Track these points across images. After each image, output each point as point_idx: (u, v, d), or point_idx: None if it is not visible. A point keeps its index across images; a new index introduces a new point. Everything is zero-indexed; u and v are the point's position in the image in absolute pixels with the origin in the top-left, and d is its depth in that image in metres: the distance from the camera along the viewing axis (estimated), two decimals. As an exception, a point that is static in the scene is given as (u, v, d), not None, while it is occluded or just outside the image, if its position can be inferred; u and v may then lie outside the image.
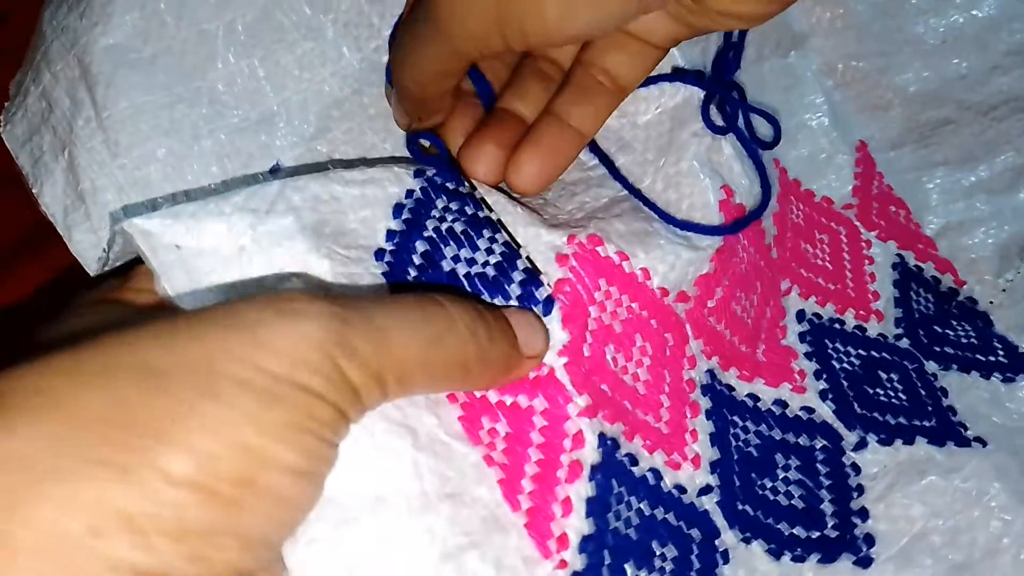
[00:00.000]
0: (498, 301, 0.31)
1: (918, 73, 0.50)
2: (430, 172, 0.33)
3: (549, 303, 0.31)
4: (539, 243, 0.33)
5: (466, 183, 0.34)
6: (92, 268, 0.35)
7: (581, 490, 0.30)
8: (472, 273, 0.31)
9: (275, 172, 0.37)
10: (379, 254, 0.31)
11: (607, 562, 0.29)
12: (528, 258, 0.33)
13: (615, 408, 0.32)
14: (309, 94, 0.37)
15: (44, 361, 0.22)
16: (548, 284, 0.32)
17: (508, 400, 0.30)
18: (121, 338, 0.22)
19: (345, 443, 0.25)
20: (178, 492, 0.20)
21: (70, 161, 0.35)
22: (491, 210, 0.33)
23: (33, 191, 0.36)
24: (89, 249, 0.35)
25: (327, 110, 0.38)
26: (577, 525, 0.29)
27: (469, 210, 0.33)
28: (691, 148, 0.37)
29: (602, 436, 0.31)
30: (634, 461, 0.32)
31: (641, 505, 0.31)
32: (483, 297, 0.31)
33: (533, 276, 0.32)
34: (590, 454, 0.30)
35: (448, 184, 0.33)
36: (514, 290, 0.31)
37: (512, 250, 0.32)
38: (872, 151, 0.49)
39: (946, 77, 0.50)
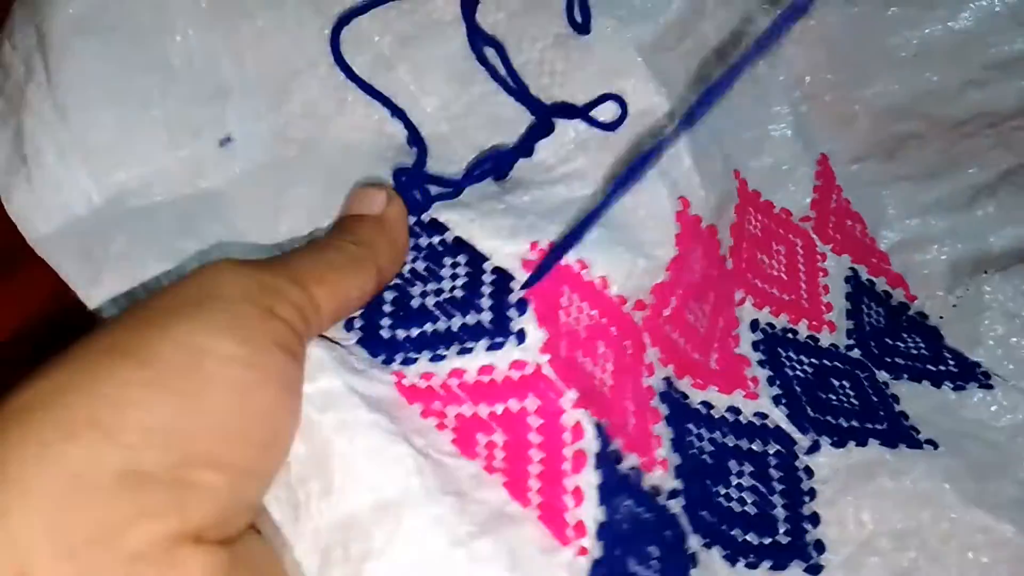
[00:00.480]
0: (470, 318, 0.32)
1: (887, 86, 0.49)
2: None
3: (522, 304, 0.32)
4: (502, 255, 0.34)
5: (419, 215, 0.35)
6: (27, 232, 0.35)
7: (591, 478, 0.30)
8: (441, 301, 0.33)
9: (225, 144, 0.37)
10: (348, 324, 0.33)
11: (616, 553, 0.30)
12: (496, 268, 0.33)
13: (597, 404, 0.32)
14: (266, 66, 0.38)
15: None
16: (518, 287, 0.33)
17: (499, 408, 0.31)
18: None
19: (345, 457, 0.28)
20: (133, 392, 0.24)
21: (18, 126, 0.35)
22: (447, 230, 0.34)
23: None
24: (26, 210, 0.35)
25: (284, 83, 0.38)
26: (593, 512, 0.29)
27: (424, 242, 0.34)
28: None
29: (598, 426, 0.31)
30: (619, 458, 0.32)
31: (629, 502, 0.32)
32: (456, 319, 0.32)
33: (502, 283, 0.33)
34: (591, 443, 0.31)
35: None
36: (485, 302, 0.32)
37: (476, 267, 0.33)
38: (833, 164, 0.49)
39: (916, 91, 0.49)
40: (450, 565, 0.27)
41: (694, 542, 0.34)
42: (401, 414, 0.30)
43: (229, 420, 0.25)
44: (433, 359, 0.32)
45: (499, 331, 0.32)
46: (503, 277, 0.33)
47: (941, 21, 0.49)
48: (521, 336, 0.32)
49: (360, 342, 0.32)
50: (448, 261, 0.34)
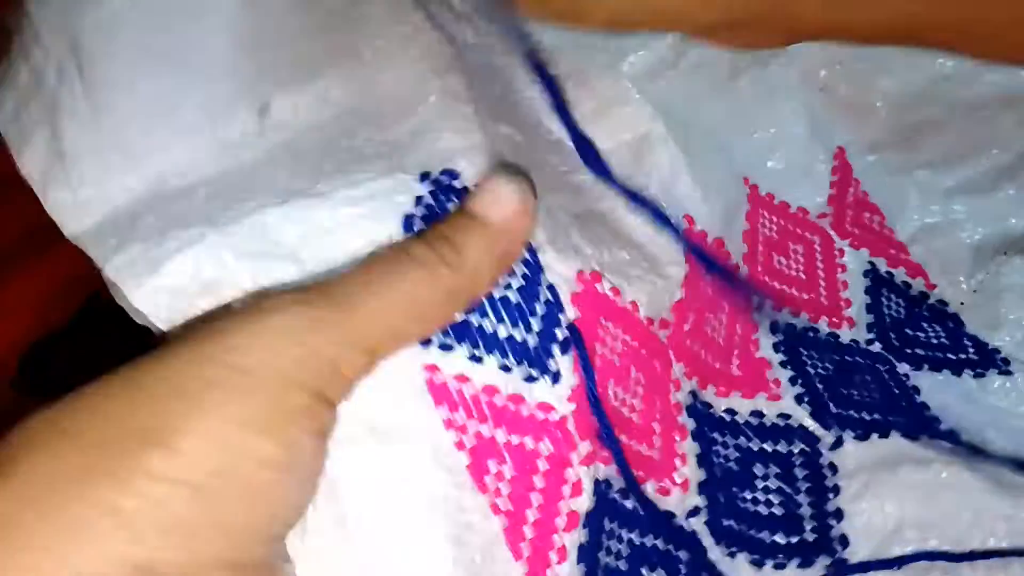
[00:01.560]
0: (518, 333, 0.31)
1: (902, 75, 0.49)
2: (436, 172, 0.32)
3: (567, 344, 0.32)
4: (555, 274, 0.33)
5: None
6: (67, 229, 0.34)
7: (576, 538, 0.31)
8: (495, 296, 0.30)
9: (264, 113, 0.35)
10: None
11: None
12: (549, 287, 0.32)
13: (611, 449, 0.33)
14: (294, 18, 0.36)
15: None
16: (566, 322, 0.32)
17: (515, 440, 0.30)
18: (116, 370, 0.25)
19: (361, 511, 0.27)
20: (161, 487, 0.22)
21: (53, 128, 0.35)
22: None
23: (17, 162, 0.36)
24: (64, 208, 0.34)
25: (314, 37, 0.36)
26: (568, 571, 0.30)
27: None
28: (653, 176, 0.39)
29: (597, 482, 0.32)
30: (626, 495, 0.33)
31: (631, 536, 0.33)
32: (504, 326, 0.31)
33: (555, 304, 0.32)
34: (586, 501, 0.31)
35: (457, 183, 0.32)
36: (536, 322, 0.31)
37: (533, 272, 0.32)
38: (850, 156, 0.49)
39: (932, 77, 0.49)
40: None
41: (716, 554, 0.35)
42: (424, 425, 0.29)
43: (251, 522, 0.24)
44: (472, 359, 0.30)
45: (538, 363, 0.31)
46: (556, 297, 0.32)
47: (955, 6, 0.49)
48: (556, 377, 0.31)
49: None
50: None
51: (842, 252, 0.47)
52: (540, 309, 0.32)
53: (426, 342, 0.29)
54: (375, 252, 0.28)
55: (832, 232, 0.47)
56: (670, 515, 0.35)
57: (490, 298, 0.30)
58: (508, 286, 0.31)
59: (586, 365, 0.32)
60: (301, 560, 0.27)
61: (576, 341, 0.32)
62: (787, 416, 0.39)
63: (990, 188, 0.48)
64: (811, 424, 0.39)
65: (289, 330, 0.24)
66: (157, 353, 0.25)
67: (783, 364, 0.41)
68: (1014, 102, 0.48)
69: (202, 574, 0.23)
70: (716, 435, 0.38)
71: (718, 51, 0.46)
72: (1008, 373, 0.42)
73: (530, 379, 0.31)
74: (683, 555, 0.34)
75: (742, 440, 0.39)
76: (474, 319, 0.30)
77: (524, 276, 0.32)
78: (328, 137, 0.35)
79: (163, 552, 0.22)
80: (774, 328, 0.43)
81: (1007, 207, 0.47)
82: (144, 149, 0.34)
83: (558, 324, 0.32)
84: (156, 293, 0.29)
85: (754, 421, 0.39)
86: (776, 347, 0.42)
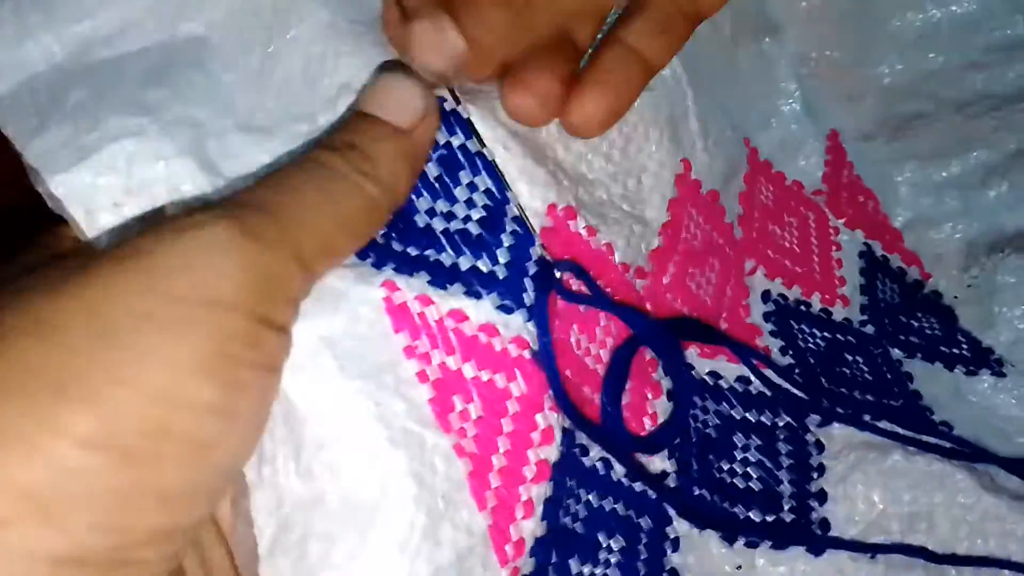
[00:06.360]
0: (483, 264, 0.28)
1: (892, 66, 0.49)
2: None
3: (537, 279, 0.29)
4: (524, 204, 0.30)
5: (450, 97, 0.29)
6: None
7: (543, 491, 0.28)
8: (451, 230, 0.28)
9: None
10: None
11: (553, 561, 0.28)
12: (518, 213, 0.29)
13: (574, 396, 0.30)
14: None
15: None
16: (538, 254, 0.29)
17: (485, 376, 0.27)
18: (6, 296, 0.20)
19: (317, 435, 0.24)
20: (84, 456, 0.18)
21: None
22: (469, 136, 0.29)
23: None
24: None
25: None
26: (532, 528, 0.27)
27: (441, 138, 0.29)
28: (663, 110, 0.36)
29: (564, 431, 0.29)
30: (585, 451, 0.30)
31: (590, 497, 0.30)
32: (466, 258, 0.28)
33: (523, 238, 0.29)
34: (554, 452, 0.28)
35: None
36: (502, 254, 0.28)
37: (496, 203, 0.29)
38: (843, 141, 0.48)
39: (921, 71, 0.49)
40: None
41: (682, 524, 0.32)
42: (384, 354, 0.26)
43: (191, 483, 0.20)
44: (433, 283, 0.27)
45: (512, 294, 0.28)
46: (525, 231, 0.29)
47: (943, 5, 0.49)
48: (531, 313, 0.28)
49: None
50: (465, 179, 0.29)
51: (837, 230, 0.44)
52: (507, 240, 0.29)
53: (380, 264, 0.27)
54: (287, 163, 0.25)
55: (827, 209, 0.45)
56: (632, 477, 0.31)
57: (444, 232, 0.28)
58: (467, 218, 0.28)
59: (541, 307, 0.29)
60: (256, 489, 0.25)
61: (543, 278, 0.29)
62: (775, 386, 0.36)
63: (980, 185, 0.47)
64: (800, 398, 0.36)
65: (223, 246, 0.21)
66: (74, 280, 0.20)
67: (773, 334, 0.38)
68: (999, 104, 0.48)
69: (136, 554, 0.20)
70: (696, 398, 0.35)
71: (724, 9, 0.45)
72: (1001, 375, 0.40)
73: (505, 309, 0.28)
74: (644, 523, 0.31)
75: (724, 407, 0.35)
76: (430, 253, 0.28)
77: (486, 207, 0.29)
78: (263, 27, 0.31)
79: (87, 537, 0.18)
80: (765, 297, 0.40)
81: (999, 205, 0.46)
82: (67, 10, 0.30)
83: (529, 258, 0.29)
84: (80, 184, 0.26)
85: (739, 387, 0.36)
86: (767, 316, 0.39)
